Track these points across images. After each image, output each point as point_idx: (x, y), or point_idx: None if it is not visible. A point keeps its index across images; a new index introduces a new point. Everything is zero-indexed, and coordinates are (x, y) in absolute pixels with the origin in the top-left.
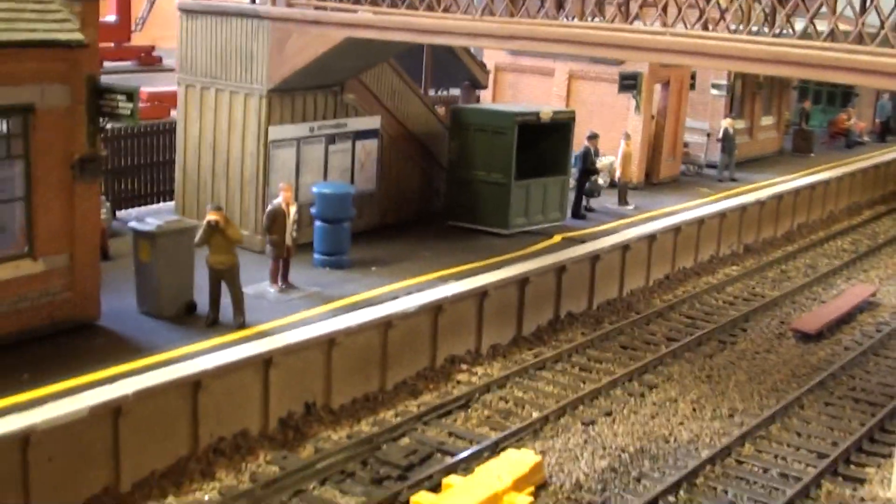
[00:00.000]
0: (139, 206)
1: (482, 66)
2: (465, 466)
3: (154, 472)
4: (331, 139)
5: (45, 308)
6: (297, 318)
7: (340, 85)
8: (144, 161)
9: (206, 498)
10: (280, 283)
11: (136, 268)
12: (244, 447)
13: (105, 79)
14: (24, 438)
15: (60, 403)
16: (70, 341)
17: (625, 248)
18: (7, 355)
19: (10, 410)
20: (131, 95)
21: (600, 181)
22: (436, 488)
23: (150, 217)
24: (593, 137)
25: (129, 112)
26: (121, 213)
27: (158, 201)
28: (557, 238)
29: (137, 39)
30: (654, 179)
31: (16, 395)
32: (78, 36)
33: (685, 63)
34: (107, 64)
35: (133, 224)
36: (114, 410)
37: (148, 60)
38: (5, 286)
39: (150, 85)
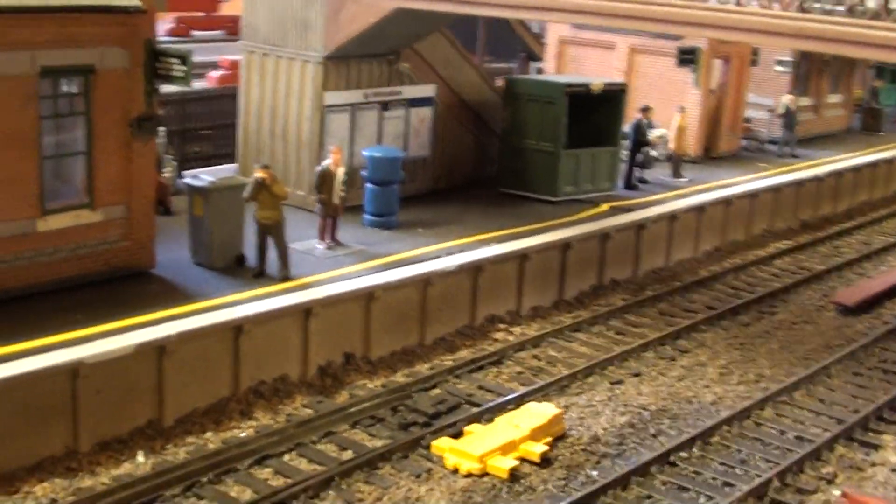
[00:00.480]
0: (206, 167)
1: (537, 38)
2: (489, 417)
3: (196, 409)
4: (385, 106)
5: (103, 255)
6: (341, 272)
7: (395, 53)
8: (212, 124)
9: (243, 435)
10: (328, 241)
11: (191, 221)
12: (283, 391)
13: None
14: (74, 371)
15: (108, 341)
16: (124, 287)
17: (672, 218)
18: (65, 297)
19: (63, 345)
20: (185, 59)
21: (654, 153)
22: (457, 435)
23: (205, 174)
24: (645, 110)
25: (182, 74)
26: (188, 174)
27: (224, 163)
28: (605, 207)
29: (227, 10)
30: (713, 153)
31: (69, 333)
32: (136, 2)
33: (707, 36)
34: (196, 33)
35: (188, 180)
36: (158, 349)
37: (235, 30)
38: (67, 233)
39: (234, 54)
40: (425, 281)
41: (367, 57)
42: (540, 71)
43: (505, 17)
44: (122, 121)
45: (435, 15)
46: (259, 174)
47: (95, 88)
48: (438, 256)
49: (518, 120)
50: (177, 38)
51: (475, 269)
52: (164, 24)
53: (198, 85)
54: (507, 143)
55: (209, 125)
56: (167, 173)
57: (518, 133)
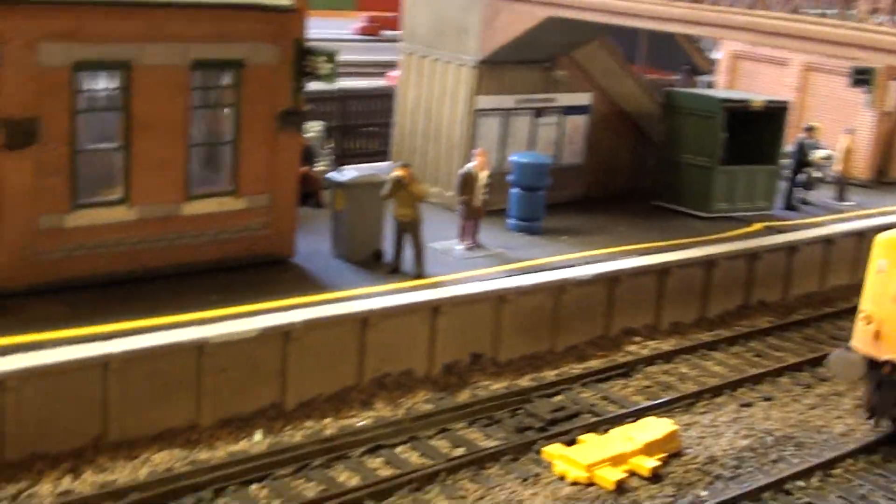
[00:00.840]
0: (364, 163)
1: (702, 51)
2: (606, 427)
3: (319, 395)
4: (538, 112)
5: (244, 241)
6: (475, 273)
7: (551, 61)
8: (373, 122)
9: (360, 424)
10: (468, 242)
11: (332, 215)
12: (406, 385)
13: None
14: (199, 348)
15: (235, 322)
16: (262, 273)
17: (827, 242)
18: (205, 279)
19: (193, 324)
20: (331, 57)
21: (817, 174)
22: (571, 443)
23: (350, 170)
24: (810, 129)
25: (327, 72)
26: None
27: (382, 160)
28: (758, 226)
29: None
30: (886, 178)
31: (202, 312)
32: (287, 1)
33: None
34: (386, 32)
35: (331, 174)
36: (283, 334)
37: None
38: (211, 219)
39: None
40: (559, 288)
41: (521, 63)
42: (710, 85)
43: (661, 30)
44: (268, 114)
45: (589, 24)
46: (397, 172)
47: (244, 82)
48: (575, 264)
49: (675, 133)
50: (367, 37)
51: (612, 279)
52: (355, 23)
53: (378, 83)
54: (662, 155)
55: (370, 122)
56: (321, 167)
57: (674, 146)
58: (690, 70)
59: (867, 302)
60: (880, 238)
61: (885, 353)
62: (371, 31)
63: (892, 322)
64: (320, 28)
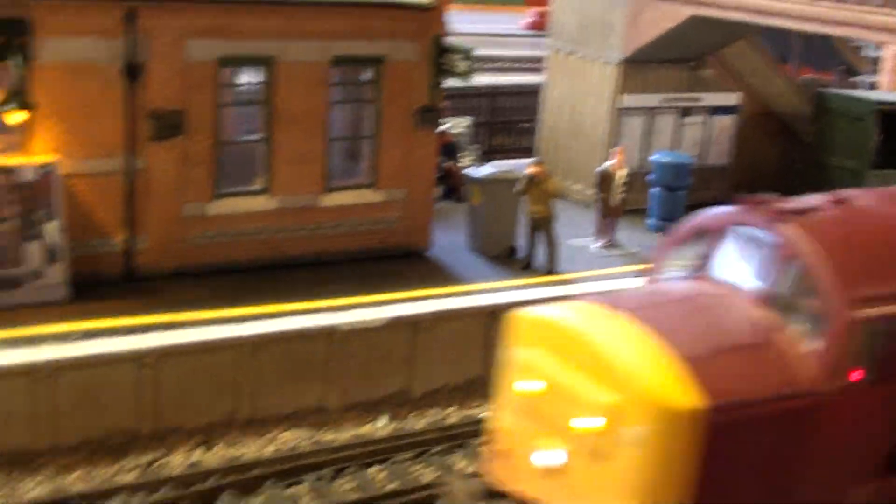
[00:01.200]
0: (513, 159)
1: (856, 50)
2: None
3: (446, 385)
4: (684, 112)
5: (380, 233)
6: (608, 272)
7: (697, 60)
8: (521, 118)
9: (483, 414)
10: (604, 240)
11: (469, 209)
12: None
13: None
14: (329, 334)
15: (365, 311)
16: (397, 264)
17: None
18: (341, 268)
19: (326, 311)
20: (468, 55)
21: None
22: None
23: (487, 166)
24: None
25: (464, 69)
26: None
27: (530, 156)
28: None
29: None
30: None
31: (336, 300)
32: None
33: None
34: None
35: (469, 170)
36: (412, 324)
37: None
38: (349, 210)
39: None
40: None
41: (667, 62)
42: (873, 85)
43: (802, 30)
44: (406, 110)
45: (734, 23)
46: (531, 169)
47: (384, 78)
48: None
49: (825, 135)
50: (535, 33)
51: None
52: (524, 19)
53: (529, 79)
54: (811, 157)
55: (520, 118)
56: (466, 162)
57: (824, 148)
58: (846, 70)
59: (495, 409)
60: (517, 317)
61: (514, 482)
62: (539, 27)
63: (521, 440)
64: (488, 23)
